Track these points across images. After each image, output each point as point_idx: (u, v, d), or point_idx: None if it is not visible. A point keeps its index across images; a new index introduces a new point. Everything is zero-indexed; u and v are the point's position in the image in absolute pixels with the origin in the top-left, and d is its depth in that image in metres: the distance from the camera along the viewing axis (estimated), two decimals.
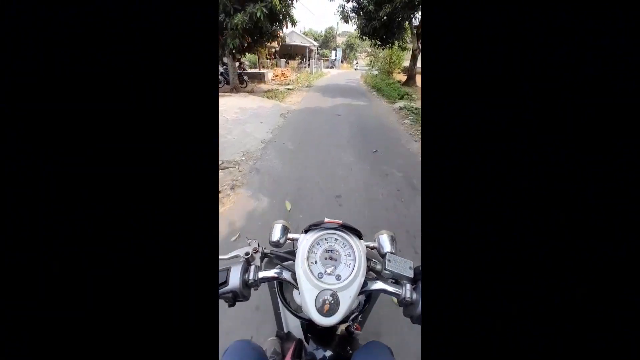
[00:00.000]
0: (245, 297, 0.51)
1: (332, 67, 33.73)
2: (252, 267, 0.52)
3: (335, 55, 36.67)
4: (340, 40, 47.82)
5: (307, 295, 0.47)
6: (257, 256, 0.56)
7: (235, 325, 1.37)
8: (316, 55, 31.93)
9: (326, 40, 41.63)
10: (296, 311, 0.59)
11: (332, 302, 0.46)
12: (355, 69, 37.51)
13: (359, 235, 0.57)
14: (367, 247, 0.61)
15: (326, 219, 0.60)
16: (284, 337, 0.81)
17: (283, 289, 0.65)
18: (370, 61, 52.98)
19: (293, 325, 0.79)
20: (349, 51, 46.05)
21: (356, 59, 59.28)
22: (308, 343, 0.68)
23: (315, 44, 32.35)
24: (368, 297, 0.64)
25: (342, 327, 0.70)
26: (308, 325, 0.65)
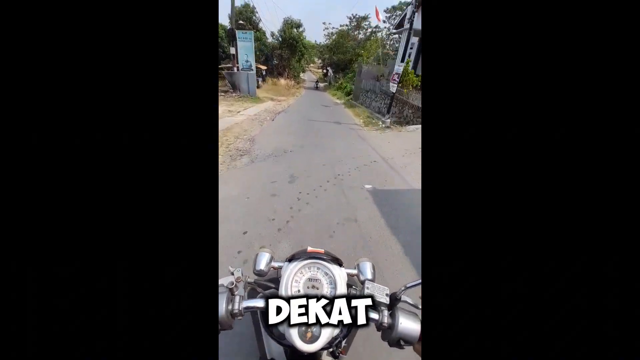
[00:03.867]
0: (230, 327, 0.51)
1: None
2: (237, 297, 0.52)
3: (236, 61, 11.43)
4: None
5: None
6: (241, 285, 0.55)
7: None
8: None
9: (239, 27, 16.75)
10: (279, 338, 0.60)
11: (314, 329, 0.48)
12: (314, 87, 14.27)
13: (339, 263, 0.61)
14: (348, 274, 0.62)
15: (309, 248, 0.65)
16: None
17: (268, 318, 0.68)
18: (325, 73, 30.23)
19: (276, 351, 0.76)
20: (290, 53, 22.48)
21: (306, 69, 37.09)
22: None
23: None
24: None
25: (327, 352, 0.71)
26: (292, 351, 0.65)
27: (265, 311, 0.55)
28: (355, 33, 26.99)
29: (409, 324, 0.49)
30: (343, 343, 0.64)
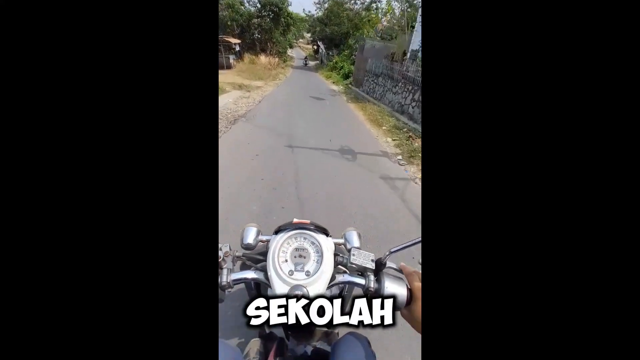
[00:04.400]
0: (220, 300, 0.53)
1: None
2: (224, 271, 0.53)
3: None
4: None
5: (279, 292, 0.50)
6: (229, 259, 0.56)
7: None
8: None
9: None
10: None
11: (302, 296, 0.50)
12: (303, 64, 10.58)
13: (326, 233, 0.62)
14: (335, 243, 0.64)
15: (295, 220, 0.65)
16: (266, 337, 0.80)
17: (261, 290, 0.69)
18: (316, 50, 24.96)
19: None
20: (273, 24, 18.01)
21: (295, 45, 32.62)
22: (289, 340, 0.72)
23: None
24: (341, 293, 0.72)
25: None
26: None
27: (259, 284, 0.60)
28: (351, 2, 22.23)
29: (395, 288, 0.50)
30: None
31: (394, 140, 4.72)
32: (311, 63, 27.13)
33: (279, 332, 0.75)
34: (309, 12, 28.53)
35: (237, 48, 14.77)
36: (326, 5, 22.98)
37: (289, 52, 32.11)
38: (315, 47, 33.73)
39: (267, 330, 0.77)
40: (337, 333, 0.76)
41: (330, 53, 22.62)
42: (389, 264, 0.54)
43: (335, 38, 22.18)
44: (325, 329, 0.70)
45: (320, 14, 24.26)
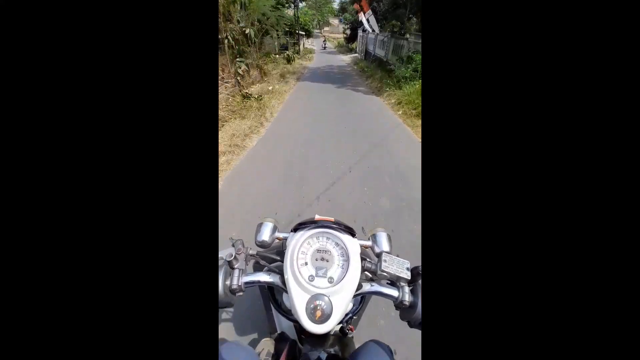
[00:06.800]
0: (229, 304, 0.48)
1: None
2: (236, 271, 0.49)
3: None
4: None
5: (297, 301, 0.45)
6: (241, 258, 0.51)
7: (227, 325, 1.27)
8: None
9: None
10: (288, 313, 0.58)
11: (325, 307, 0.44)
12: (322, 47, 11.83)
13: (352, 233, 0.55)
14: (362, 245, 0.58)
15: (317, 216, 0.59)
16: (277, 337, 0.75)
17: (274, 289, 0.64)
18: (351, 34, 10.78)
19: (286, 325, 0.75)
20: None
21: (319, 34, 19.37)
22: (302, 344, 0.67)
23: None
24: (362, 298, 0.65)
25: (337, 327, 0.67)
26: (301, 326, 0.61)
27: (271, 286, 0.54)
28: None
29: None
30: (353, 319, 0.63)
31: None
32: (345, 58, 13.73)
33: (292, 334, 0.69)
34: None
35: None
36: None
37: (306, 43, 18.83)
38: (348, 32, 20.19)
39: (279, 331, 0.72)
40: (352, 338, 0.69)
41: (397, 29, 8.99)
42: None
43: None
44: (340, 334, 0.63)
45: None
